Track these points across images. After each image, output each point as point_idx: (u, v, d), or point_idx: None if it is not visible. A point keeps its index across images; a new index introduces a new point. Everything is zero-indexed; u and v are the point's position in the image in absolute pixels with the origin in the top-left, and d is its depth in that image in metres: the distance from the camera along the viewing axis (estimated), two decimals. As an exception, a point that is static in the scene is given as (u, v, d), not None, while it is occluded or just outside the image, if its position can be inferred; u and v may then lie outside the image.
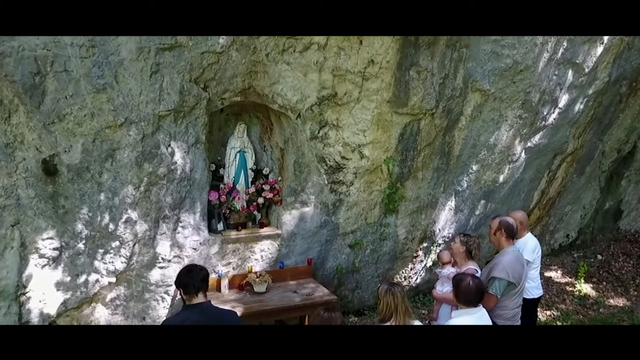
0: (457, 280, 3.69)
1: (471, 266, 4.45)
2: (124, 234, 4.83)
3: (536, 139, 6.78)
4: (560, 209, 8.60)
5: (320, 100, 5.28)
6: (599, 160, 8.33)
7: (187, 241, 5.28)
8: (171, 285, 5.23)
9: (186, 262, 5.31)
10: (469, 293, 3.58)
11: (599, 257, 8.90)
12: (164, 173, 4.85)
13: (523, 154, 6.84)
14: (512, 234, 4.41)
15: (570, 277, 8.23)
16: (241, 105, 5.53)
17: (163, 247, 5.12)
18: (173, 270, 5.11)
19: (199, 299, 3.31)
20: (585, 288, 7.85)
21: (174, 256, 5.24)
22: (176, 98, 4.66)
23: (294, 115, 5.38)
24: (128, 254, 4.93)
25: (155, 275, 5.17)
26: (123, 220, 4.78)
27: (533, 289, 5.04)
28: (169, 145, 4.84)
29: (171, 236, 5.16)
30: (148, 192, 4.84)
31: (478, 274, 4.27)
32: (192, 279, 3.31)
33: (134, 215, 4.82)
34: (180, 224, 5.20)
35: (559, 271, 8.47)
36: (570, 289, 7.86)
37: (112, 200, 4.68)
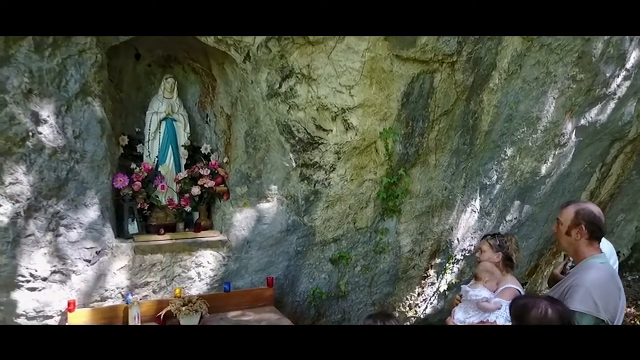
0: (521, 307, 2.23)
1: (511, 285, 3.03)
2: (-40, 235, 3.02)
3: (592, 114, 4.95)
4: (612, 217, 6.75)
5: (281, 33, 3.47)
6: (665, 152, 6.46)
7: (76, 249, 3.49)
8: (52, 316, 3.59)
9: (74, 281, 3.54)
10: None
11: (661, 280, 7.02)
12: (22, 136, 3.04)
13: (573, 136, 4.99)
14: (600, 234, 2.57)
15: (628, 307, 6.31)
16: (164, 45, 3.73)
17: (33, 258, 3.32)
18: (52, 294, 3.51)
19: None
20: (653, 321, 5.95)
21: (54, 272, 3.45)
22: (33, 9, 2.87)
23: (241, 56, 3.55)
24: (-30, 268, 3.11)
25: (22, 301, 3.39)
26: (-44, 212, 2.97)
27: None
28: (30, 91, 3.02)
29: (47, 241, 3.36)
30: (-3, 168, 3.03)
31: None
32: None
33: (-26, 204, 3.01)
34: (62, 222, 3.40)
35: (611, 298, 6.56)
36: (632, 321, 5.98)
37: None
